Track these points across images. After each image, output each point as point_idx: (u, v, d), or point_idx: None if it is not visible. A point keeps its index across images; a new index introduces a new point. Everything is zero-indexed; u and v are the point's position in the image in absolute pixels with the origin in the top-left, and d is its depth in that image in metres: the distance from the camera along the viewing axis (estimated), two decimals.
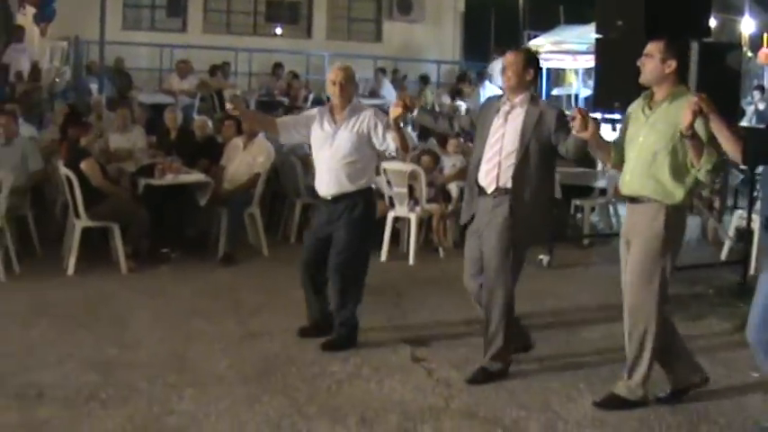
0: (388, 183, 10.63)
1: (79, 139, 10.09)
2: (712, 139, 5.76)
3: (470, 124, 7.13)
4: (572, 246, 11.81)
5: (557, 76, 24.19)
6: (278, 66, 21.80)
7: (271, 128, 7.81)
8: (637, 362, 6.17)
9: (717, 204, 12.75)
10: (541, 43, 20.99)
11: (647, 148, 6.00)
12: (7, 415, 5.88)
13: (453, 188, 11.07)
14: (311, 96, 20.34)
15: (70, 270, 9.58)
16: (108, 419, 5.84)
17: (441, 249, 10.94)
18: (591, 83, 16.81)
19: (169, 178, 10.43)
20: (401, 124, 7.06)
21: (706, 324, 8.33)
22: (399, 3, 26.23)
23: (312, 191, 10.94)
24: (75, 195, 9.62)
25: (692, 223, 12.00)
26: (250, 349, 7.30)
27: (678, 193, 5.97)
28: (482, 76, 22.07)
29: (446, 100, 21.04)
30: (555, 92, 23.50)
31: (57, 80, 19.65)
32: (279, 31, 26.10)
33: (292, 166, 11.55)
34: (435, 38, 26.17)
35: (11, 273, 9.45)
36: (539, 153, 6.53)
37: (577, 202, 12.60)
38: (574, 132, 6.09)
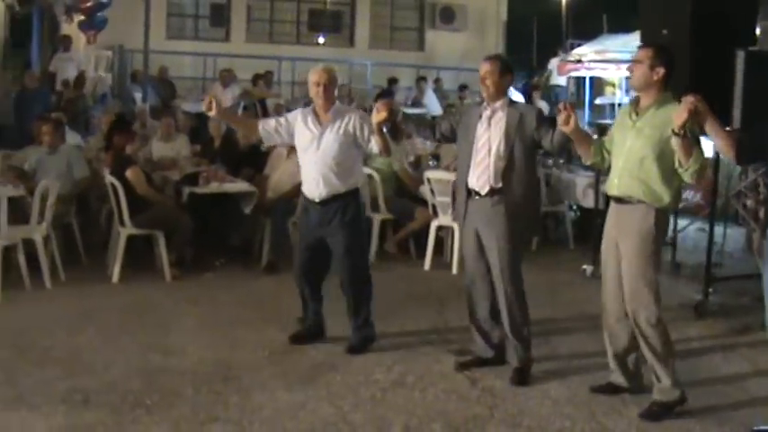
0: (432, 191, 10.62)
1: (124, 147, 10.14)
2: (697, 141, 5.95)
3: (451, 131, 7.32)
4: None
5: (599, 86, 24.11)
6: None
7: (251, 130, 7.82)
8: (659, 363, 6.27)
9: (762, 215, 12.62)
10: (584, 52, 20.93)
11: (634, 152, 6.15)
12: (54, 419, 5.93)
13: None
14: (354, 105, 20.36)
15: (115, 277, 9.65)
16: (153, 426, 5.88)
17: None
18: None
19: (213, 187, 10.46)
20: (384, 129, 7.21)
21: (752, 335, 8.25)
22: (442, 11, 26.28)
23: None
24: (120, 203, 9.68)
25: (737, 234, 11.93)
26: (294, 357, 7.31)
27: (666, 197, 6.13)
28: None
29: None
30: (598, 101, 23.42)
31: (96, 87, 19.83)
32: (321, 40, 26.19)
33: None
34: (478, 46, 26.05)
35: (57, 280, 9.53)
36: (523, 152, 6.78)
37: None
38: (558, 125, 6.30)
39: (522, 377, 6.87)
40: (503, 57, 7.17)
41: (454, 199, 7.92)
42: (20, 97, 17.33)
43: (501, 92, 6.88)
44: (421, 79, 22.65)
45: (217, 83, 20.19)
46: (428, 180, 10.55)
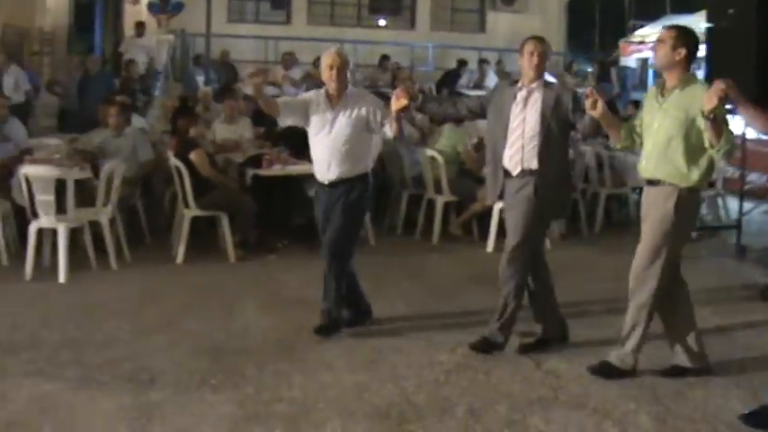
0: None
1: (188, 130, 10.21)
2: (726, 122, 6.03)
3: (480, 107, 7.32)
4: None
5: None
6: (385, 58, 21.77)
7: (275, 110, 7.49)
8: (631, 333, 6.50)
9: None
10: (647, 33, 20.75)
11: (662, 133, 6.25)
12: (121, 397, 6.00)
13: None
14: (416, 86, 20.30)
15: (179, 259, 9.74)
16: (218, 405, 5.92)
17: (548, 241, 10.85)
18: (698, 73, 16.46)
19: (277, 169, 10.49)
20: (401, 115, 7.15)
21: None
22: None
23: (419, 181, 10.95)
24: (184, 185, 9.77)
25: None
26: (358, 338, 7.33)
27: (693, 176, 6.21)
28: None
29: None
30: None
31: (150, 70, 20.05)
32: (382, 22, 26.14)
33: (399, 158, 11.57)
34: (540, 28, 25.65)
35: (122, 261, 9.65)
36: (558, 134, 6.87)
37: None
38: (586, 110, 6.39)
39: (489, 346, 7.04)
40: (543, 39, 7.12)
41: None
42: (83, 81, 17.50)
43: (541, 73, 6.94)
44: (483, 61, 22.52)
45: (278, 66, 20.24)
46: None
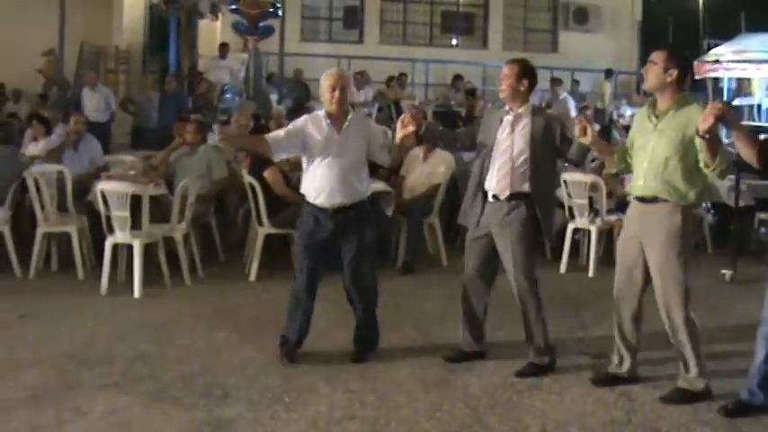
0: (569, 194, 10.51)
1: None
2: (720, 141, 6.28)
3: (471, 142, 7.52)
4: (756, 260, 11.44)
5: (738, 86, 23.53)
6: (457, 77, 21.79)
7: (263, 147, 7.23)
8: (686, 358, 6.47)
9: None
10: (722, 52, 20.48)
11: (658, 154, 6.31)
12: (195, 413, 6.05)
13: None
14: (489, 107, 20.25)
15: (252, 276, 9.79)
16: (291, 422, 5.95)
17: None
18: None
19: None
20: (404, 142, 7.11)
21: None
22: (576, 13, 26.05)
23: None
24: (258, 203, 9.82)
25: None
26: (430, 358, 7.29)
27: (691, 194, 6.31)
28: None
29: (626, 111, 20.71)
30: (736, 102, 22.84)
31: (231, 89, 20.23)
32: (454, 42, 26.16)
33: (473, 177, 11.53)
34: (612, 48, 25.80)
35: (196, 277, 9.76)
36: (546, 159, 6.95)
37: (762, 215, 12.20)
38: (576, 137, 6.51)
39: (538, 371, 6.99)
40: (524, 61, 7.06)
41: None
42: (161, 100, 17.74)
43: (518, 96, 6.91)
44: (555, 81, 22.43)
45: (351, 84, 20.31)
46: (565, 182, 10.44)
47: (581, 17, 26.01)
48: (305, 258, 7.21)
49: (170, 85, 18.21)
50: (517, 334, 7.54)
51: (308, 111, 14.50)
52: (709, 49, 22.11)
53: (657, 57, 6.33)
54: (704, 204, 12.14)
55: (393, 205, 10.46)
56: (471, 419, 6.07)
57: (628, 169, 6.77)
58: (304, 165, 7.20)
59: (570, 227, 10.54)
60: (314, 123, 7.09)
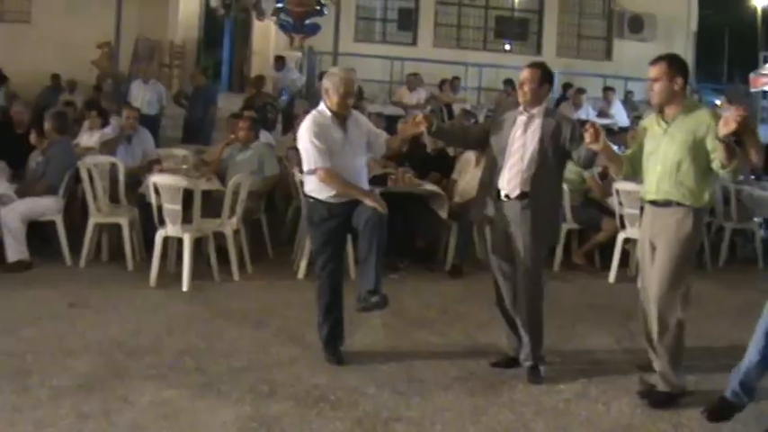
0: (620, 203, 10.44)
1: None
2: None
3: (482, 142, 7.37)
4: None
5: None
6: (508, 82, 21.72)
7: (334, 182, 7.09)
8: (668, 359, 6.52)
9: None
10: None
11: (670, 158, 6.40)
12: (241, 408, 6.08)
13: None
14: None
15: (301, 273, 9.79)
16: (337, 421, 5.95)
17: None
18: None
19: (403, 187, 10.47)
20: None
21: None
22: (630, 21, 25.87)
23: None
24: None
25: None
26: (477, 362, 7.26)
27: (705, 195, 6.42)
28: None
29: None
30: None
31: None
32: (508, 47, 26.10)
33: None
34: None
35: (245, 273, 9.79)
36: (555, 160, 6.93)
37: None
38: (586, 143, 6.50)
39: (537, 376, 6.96)
40: (544, 65, 7.10)
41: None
42: (191, 94, 17.89)
43: (538, 99, 6.95)
44: (608, 89, 22.25)
45: (403, 86, 20.33)
46: (617, 191, 10.36)
47: (636, 26, 25.83)
48: (325, 254, 7.18)
49: (198, 78, 18.20)
50: (563, 341, 7.54)
51: (360, 111, 14.60)
52: (766, 61, 21.91)
53: (658, 71, 6.40)
54: (756, 219, 12.03)
55: (447, 208, 10.42)
56: (517, 425, 6.05)
57: (633, 174, 6.89)
58: (305, 165, 7.13)
59: (620, 236, 10.45)
60: (324, 127, 7.03)
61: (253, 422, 5.86)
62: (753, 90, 22.14)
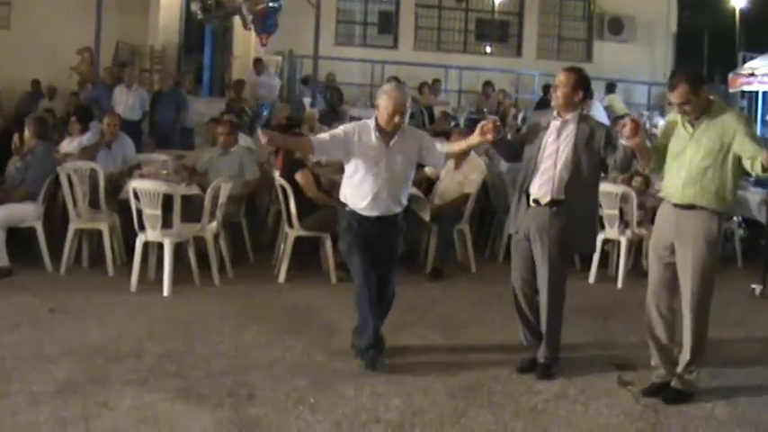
0: (599, 205, 10.46)
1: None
2: None
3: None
4: None
5: None
6: (487, 84, 21.80)
7: (304, 149, 7.48)
8: (696, 354, 6.57)
9: None
10: (758, 66, 20.30)
11: (697, 163, 6.38)
12: (221, 412, 6.08)
13: None
14: (521, 115, 20.21)
15: (281, 278, 9.81)
16: (316, 424, 5.97)
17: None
18: None
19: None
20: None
21: None
22: (610, 23, 25.96)
23: None
24: (288, 205, 9.84)
25: None
26: (457, 364, 7.28)
27: (730, 198, 6.45)
28: None
29: (659, 122, 20.59)
30: None
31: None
32: (489, 49, 26.16)
33: (504, 185, 11.51)
34: (646, 59, 25.71)
35: (225, 277, 9.79)
36: (589, 167, 6.91)
37: None
38: (623, 139, 6.48)
39: (548, 373, 7.04)
40: (581, 71, 7.07)
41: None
42: (155, 98, 17.73)
43: (572, 105, 6.92)
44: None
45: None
46: None
47: (616, 27, 25.91)
48: (356, 254, 7.21)
49: (166, 83, 18.14)
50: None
51: (341, 114, 14.61)
52: (745, 61, 21.97)
53: (682, 94, 6.32)
54: (735, 218, 12.08)
55: (429, 211, 10.42)
56: (496, 426, 6.07)
57: (659, 170, 6.83)
58: (347, 171, 7.23)
59: (600, 237, 10.48)
60: (364, 133, 7.08)
61: (232, 426, 5.87)
62: (731, 90, 22.24)
